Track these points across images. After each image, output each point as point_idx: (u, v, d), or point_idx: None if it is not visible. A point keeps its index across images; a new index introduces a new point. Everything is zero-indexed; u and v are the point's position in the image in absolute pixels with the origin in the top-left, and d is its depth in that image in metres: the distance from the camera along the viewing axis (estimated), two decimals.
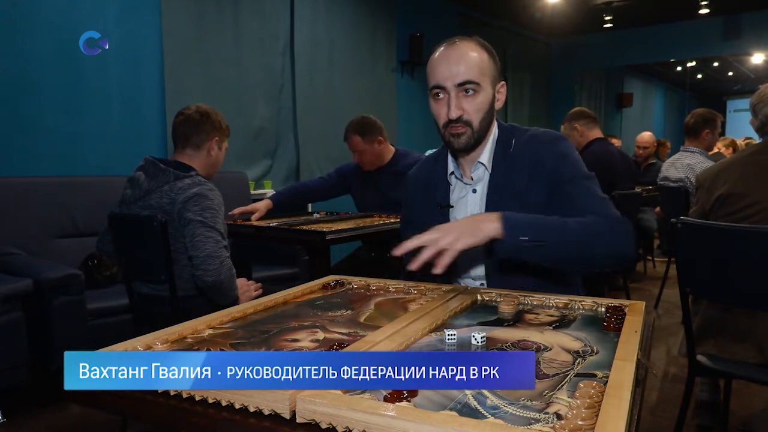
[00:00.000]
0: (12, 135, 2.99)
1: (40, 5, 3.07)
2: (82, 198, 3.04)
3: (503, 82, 1.41)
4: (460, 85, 1.31)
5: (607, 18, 6.87)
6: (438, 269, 1.09)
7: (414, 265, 1.10)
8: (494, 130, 1.43)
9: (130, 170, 2.24)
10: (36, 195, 2.90)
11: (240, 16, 4.12)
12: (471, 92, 1.33)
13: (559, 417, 0.64)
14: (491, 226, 1.16)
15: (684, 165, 3.74)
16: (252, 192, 4.08)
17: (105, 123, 3.36)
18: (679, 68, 11.47)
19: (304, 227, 2.50)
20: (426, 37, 5.69)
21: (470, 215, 1.30)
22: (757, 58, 9.65)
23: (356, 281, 1.36)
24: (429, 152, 3.48)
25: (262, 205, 2.79)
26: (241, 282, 2.07)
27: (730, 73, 12.14)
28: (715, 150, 4.63)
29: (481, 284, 1.41)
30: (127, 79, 3.47)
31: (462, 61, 1.31)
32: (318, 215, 3.03)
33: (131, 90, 3.49)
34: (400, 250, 1.13)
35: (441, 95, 1.34)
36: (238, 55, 4.13)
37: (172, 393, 0.73)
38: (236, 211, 2.70)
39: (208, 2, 3.89)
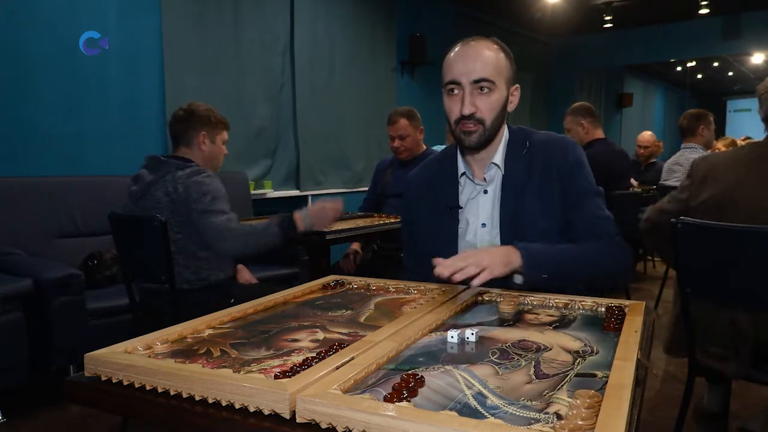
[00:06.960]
0: (12, 135, 2.99)
1: (40, 5, 3.06)
2: (82, 198, 3.04)
3: (517, 86, 1.42)
4: (476, 82, 1.31)
5: (607, 18, 6.86)
6: (477, 281, 1.15)
7: (456, 276, 1.14)
8: (505, 132, 1.43)
9: (130, 170, 2.29)
10: (36, 195, 2.90)
11: (240, 16, 4.12)
12: (486, 90, 1.33)
13: (559, 417, 0.64)
14: (516, 261, 1.22)
15: (688, 160, 3.76)
16: (252, 192, 4.08)
17: (105, 123, 3.36)
18: (679, 68, 11.47)
19: None
20: (426, 37, 5.69)
21: (495, 247, 1.29)
22: (757, 58, 9.65)
23: (356, 281, 1.36)
24: (436, 147, 3.45)
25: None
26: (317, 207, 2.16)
27: (730, 73, 12.13)
28: (717, 150, 4.65)
29: None
30: (127, 79, 3.47)
31: (478, 59, 1.32)
32: None
33: (131, 90, 3.49)
34: (445, 270, 1.14)
35: (455, 91, 1.34)
36: (238, 55, 4.12)
37: (172, 393, 0.73)
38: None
39: (208, 2, 3.89)
